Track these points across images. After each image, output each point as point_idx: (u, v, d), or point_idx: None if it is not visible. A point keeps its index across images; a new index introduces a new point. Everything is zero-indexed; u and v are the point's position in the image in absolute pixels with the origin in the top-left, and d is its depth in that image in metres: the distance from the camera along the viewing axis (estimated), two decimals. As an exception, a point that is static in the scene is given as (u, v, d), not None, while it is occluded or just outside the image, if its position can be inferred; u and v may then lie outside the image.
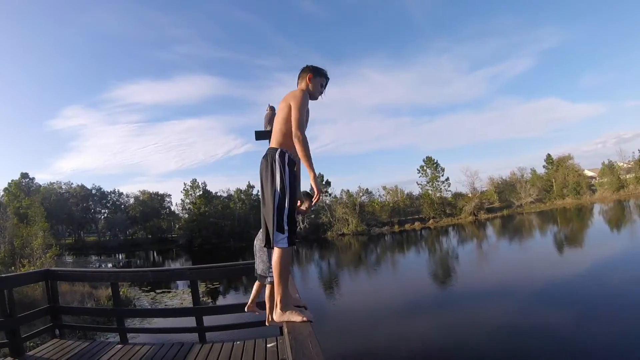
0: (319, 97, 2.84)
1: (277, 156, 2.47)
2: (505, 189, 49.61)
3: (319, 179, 2.44)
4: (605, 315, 9.38)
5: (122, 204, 55.21)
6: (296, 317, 2.37)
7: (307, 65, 2.82)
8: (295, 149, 2.42)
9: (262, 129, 5.23)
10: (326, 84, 2.87)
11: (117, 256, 43.38)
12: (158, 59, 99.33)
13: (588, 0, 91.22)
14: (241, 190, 50.34)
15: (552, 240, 26.76)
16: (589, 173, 52.61)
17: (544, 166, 52.38)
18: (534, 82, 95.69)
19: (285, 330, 2.19)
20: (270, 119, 5.20)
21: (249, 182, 50.97)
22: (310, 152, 2.39)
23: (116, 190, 56.23)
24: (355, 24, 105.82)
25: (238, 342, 4.63)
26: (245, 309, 3.97)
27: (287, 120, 2.51)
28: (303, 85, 2.74)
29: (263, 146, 5.22)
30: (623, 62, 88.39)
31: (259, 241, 3.73)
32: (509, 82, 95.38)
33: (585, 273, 15.08)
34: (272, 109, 5.22)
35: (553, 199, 47.53)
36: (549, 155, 52.07)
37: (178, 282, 17.88)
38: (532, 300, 12.39)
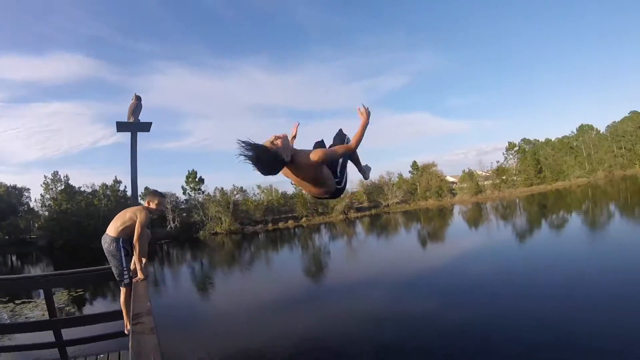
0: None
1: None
2: (374, 190, 53.87)
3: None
4: (465, 302, 10.53)
5: None
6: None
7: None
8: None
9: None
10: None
11: None
12: (31, 31, 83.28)
13: (462, 35, 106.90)
14: (107, 186, 45.37)
15: (416, 236, 29.62)
16: (450, 179, 59.46)
17: (409, 171, 58.10)
18: (408, 97, 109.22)
19: (130, 343, 2.20)
20: (134, 110, 4.98)
21: (115, 176, 46.01)
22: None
23: None
24: (245, 20, 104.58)
25: (101, 356, 4.45)
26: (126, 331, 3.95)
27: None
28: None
29: (130, 136, 5.02)
30: (485, 88, 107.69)
31: (106, 244, 3.80)
32: (384, 95, 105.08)
33: (447, 265, 16.53)
34: (138, 98, 5.07)
35: (417, 200, 53.12)
36: (414, 162, 57.83)
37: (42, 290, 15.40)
38: (399, 291, 13.54)
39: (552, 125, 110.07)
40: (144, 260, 3.99)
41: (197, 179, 47.67)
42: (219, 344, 10.10)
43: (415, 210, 48.49)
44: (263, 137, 2.18)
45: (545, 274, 12.35)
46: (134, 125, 5.02)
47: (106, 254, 4.01)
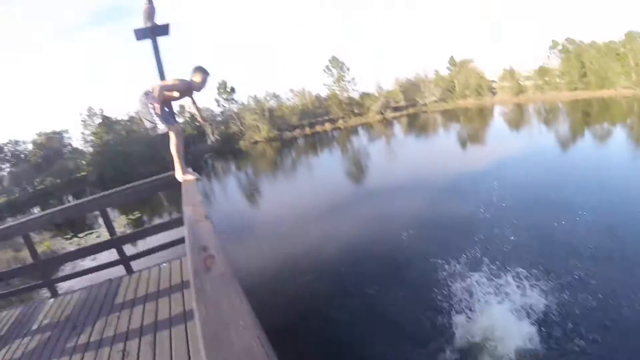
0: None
1: None
2: (410, 88, 51.31)
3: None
4: (499, 205, 9.93)
5: (21, 153, 47.75)
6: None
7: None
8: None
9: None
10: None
11: (33, 211, 38.83)
12: None
13: None
14: None
15: (456, 138, 28.44)
16: (490, 77, 54.81)
17: (447, 67, 54.15)
18: None
19: (185, 230, 2.28)
20: (149, 14, 4.74)
21: None
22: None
23: (11, 140, 47.65)
24: None
25: (164, 265, 4.66)
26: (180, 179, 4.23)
27: None
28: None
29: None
30: None
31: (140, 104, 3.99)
32: None
33: (486, 171, 15.85)
34: (150, 1, 4.78)
35: (455, 99, 50.12)
36: (452, 57, 53.70)
37: (100, 220, 16.90)
38: (439, 194, 13.38)
39: (598, 27, 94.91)
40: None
41: (228, 89, 46.91)
42: (269, 249, 10.58)
43: (454, 110, 46.24)
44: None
45: (585, 190, 11.39)
46: (152, 30, 4.77)
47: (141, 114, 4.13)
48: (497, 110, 42.76)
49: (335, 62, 49.62)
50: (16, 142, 49.24)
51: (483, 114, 41.07)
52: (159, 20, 4.82)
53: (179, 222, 4.71)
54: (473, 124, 35.71)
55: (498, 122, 35.71)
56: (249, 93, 52.71)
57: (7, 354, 3.59)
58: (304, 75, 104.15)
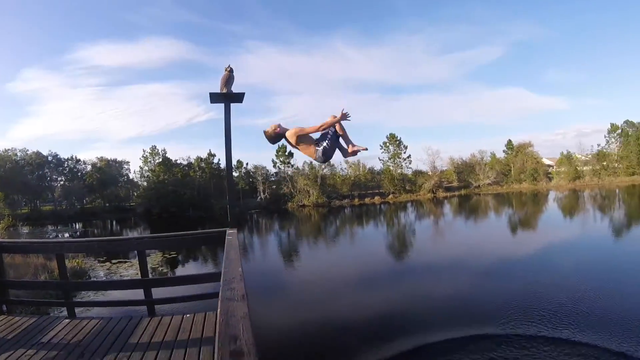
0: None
1: None
2: (465, 169, 50.95)
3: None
4: (547, 300, 9.74)
5: (79, 171, 52.10)
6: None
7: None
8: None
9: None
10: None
11: (74, 225, 41.61)
12: (125, 20, 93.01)
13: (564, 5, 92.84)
14: (201, 159, 48.85)
15: (506, 222, 27.54)
16: (546, 161, 53.75)
17: (504, 151, 53.73)
18: (502, 71, 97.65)
19: (218, 309, 2.23)
20: (227, 81, 4.94)
21: (209, 150, 49.57)
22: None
23: (73, 157, 52.68)
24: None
25: (188, 315, 4.54)
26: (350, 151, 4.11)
27: None
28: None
29: (222, 111, 5.15)
30: (589, 61, 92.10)
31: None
32: (477, 68, 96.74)
33: (533, 258, 15.32)
34: (231, 70, 4.98)
35: (510, 183, 49.07)
36: (509, 141, 53.24)
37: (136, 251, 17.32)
38: (481, 277, 12.86)
39: None
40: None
41: (286, 153, 49.09)
42: (301, 312, 10.41)
43: (507, 193, 44.73)
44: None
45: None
46: (226, 96, 5.05)
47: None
48: (552, 195, 40.75)
49: (393, 138, 50.79)
50: (77, 160, 53.47)
51: (537, 199, 39.23)
52: (235, 88, 5.15)
53: (211, 277, 4.80)
54: (525, 208, 34.10)
55: (551, 207, 33.94)
56: (306, 159, 54.59)
57: (7, 361, 3.62)
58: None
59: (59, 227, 40.23)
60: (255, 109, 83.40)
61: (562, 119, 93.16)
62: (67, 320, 4.64)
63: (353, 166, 51.50)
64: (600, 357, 6.75)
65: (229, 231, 5.00)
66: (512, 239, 20.70)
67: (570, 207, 32.23)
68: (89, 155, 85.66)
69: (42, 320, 4.67)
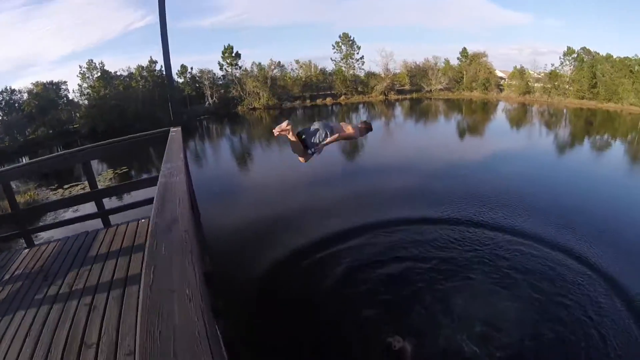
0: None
1: None
2: (418, 74, 50.47)
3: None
4: (484, 196, 10.74)
5: (16, 102, 47.12)
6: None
7: None
8: None
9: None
10: None
11: (20, 160, 38.49)
12: None
13: None
14: (143, 67, 44.25)
15: (455, 127, 28.58)
16: (499, 73, 53.90)
17: (458, 58, 52.65)
18: None
19: (157, 187, 2.22)
20: None
21: (150, 57, 44.26)
22: None
23: (8, 88, 45.36)
24: None
25: (143, 220, 4.58)
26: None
27: None
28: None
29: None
30: None
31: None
32: None
33: (480, 162, 16.33)
34: None
35: (461, 90, 49.59)
36: (464, 49, 52.21)
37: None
38: (429, 177, 13.67)
39: (616, 41, 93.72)
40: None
41: (233, 54, 45.84)
42: (253, 211, 10.78)
43: (457, 100, 45.86)
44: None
45: (576, 195, 11.89)
46: None
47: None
48: (501, 106, 42.46)
49: (346, 38, 48.61)
50: (12, 91, 48.43)
51: (486, 108, 40.82)
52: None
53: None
54: (474, 116, 35.46)
55: (500, 117, 35.56)
56: (254, 60, 51.38)
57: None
58: (312, 48, 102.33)
59: (4, 166, 36.41)
60: (200, 8, 75.31)
61: (520, 35, 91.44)
62: (26, 251, 4.56)
63: (304, 67, 49.44)
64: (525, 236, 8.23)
65: (172, 129, 4.88)
66: (460, 145, 21.71)
67: (518, 119, 33.75)
68: (24, 83, 75.21)
69: (2, 257, 4.50)
